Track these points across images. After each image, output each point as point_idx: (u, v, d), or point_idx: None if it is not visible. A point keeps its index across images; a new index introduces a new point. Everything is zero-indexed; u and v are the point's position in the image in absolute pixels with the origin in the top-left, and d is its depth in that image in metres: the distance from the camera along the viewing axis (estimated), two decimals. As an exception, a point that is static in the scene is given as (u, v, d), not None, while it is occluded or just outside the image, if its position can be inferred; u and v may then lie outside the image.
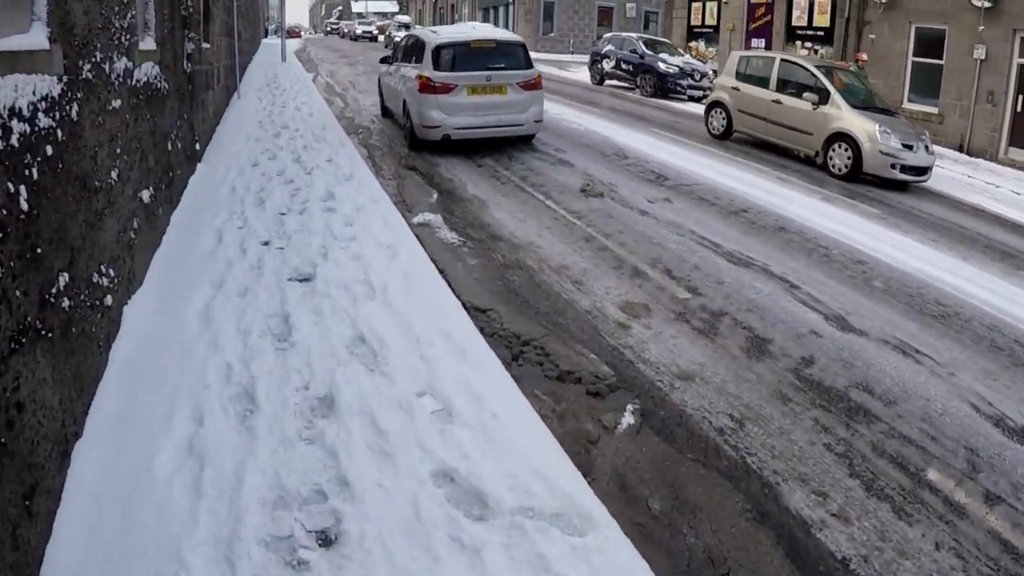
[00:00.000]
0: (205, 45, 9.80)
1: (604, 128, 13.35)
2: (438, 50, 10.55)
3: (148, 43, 5.84)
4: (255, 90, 16.55)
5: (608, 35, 24.28)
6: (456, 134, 10.48)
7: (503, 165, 9.96)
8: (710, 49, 25.19)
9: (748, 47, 23.99)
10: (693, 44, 25.01)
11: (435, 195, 8.40)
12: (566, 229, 7.33)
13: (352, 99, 16.61)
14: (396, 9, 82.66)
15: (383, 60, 13.58)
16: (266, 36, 51.02)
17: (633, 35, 22.98)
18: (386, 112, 13.79)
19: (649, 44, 21.63)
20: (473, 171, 9.59)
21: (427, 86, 10.40)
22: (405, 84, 11.25)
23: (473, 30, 11.74)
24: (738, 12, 24.33)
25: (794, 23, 23.10)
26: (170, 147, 6.49)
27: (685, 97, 19.71)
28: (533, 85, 10.90)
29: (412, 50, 11.59)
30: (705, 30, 26.05)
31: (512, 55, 10.99)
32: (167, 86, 6.46)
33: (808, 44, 22.77)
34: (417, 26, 47.27)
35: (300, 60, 29.07)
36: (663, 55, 20.56)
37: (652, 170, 10.18)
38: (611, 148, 11.51)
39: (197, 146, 8.41)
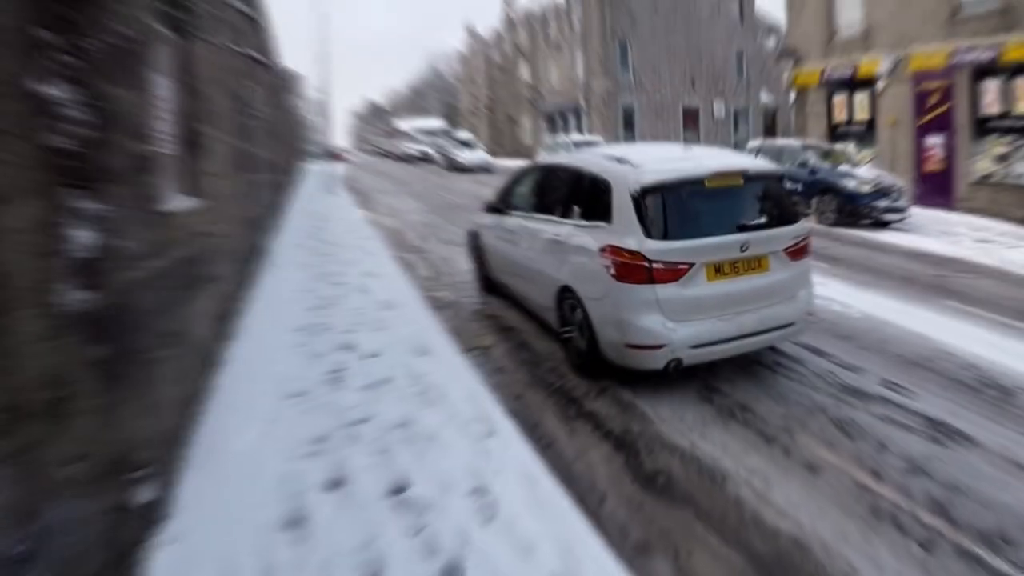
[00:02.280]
0: (186, 203, 4.90)
1: (867, 304, 8.17)
2: (644, 196, 5.55)
3: None
4: (294, 246, 11.82)
5: (756, 143, 19.34)
6: (692, 357, 5.41)
7: (830, 441, 4.67)
8: (865, 152, 20.29)
9: (921, 146, 19.03)
10: (840, 147, 19.98)
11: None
12: None
13: (439, 257, 11.66)
14: (442, 125, 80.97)
15: (490, 208, 8.66)
16: (308, 160, 48.17)
17: (796, 142, 17.97)
18: (491, 286, 8.93)
19: (820, 155, 16.72)
20: (790, 473, 4.27)
21: (635, 271, 5.38)
22: (564, 259, 6.30)
23: (688, 154, 6.68)
24: (901, 102, 19.47)
25: (984, 111, 18.15)
26: None
27: (871, 223, 14.70)
28: (802, 250, 5.96)
29: (565, 194, 6.72)
30: (854, 128, 21.20)
31: (769, 198, 6.02)
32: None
33: (1010, 138, 17.71)
34: (565, 138, 43.73)
35: (347, 188, 24.90)
36: (842, 168, 15.62)
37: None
38: (949, 360, 6.25)
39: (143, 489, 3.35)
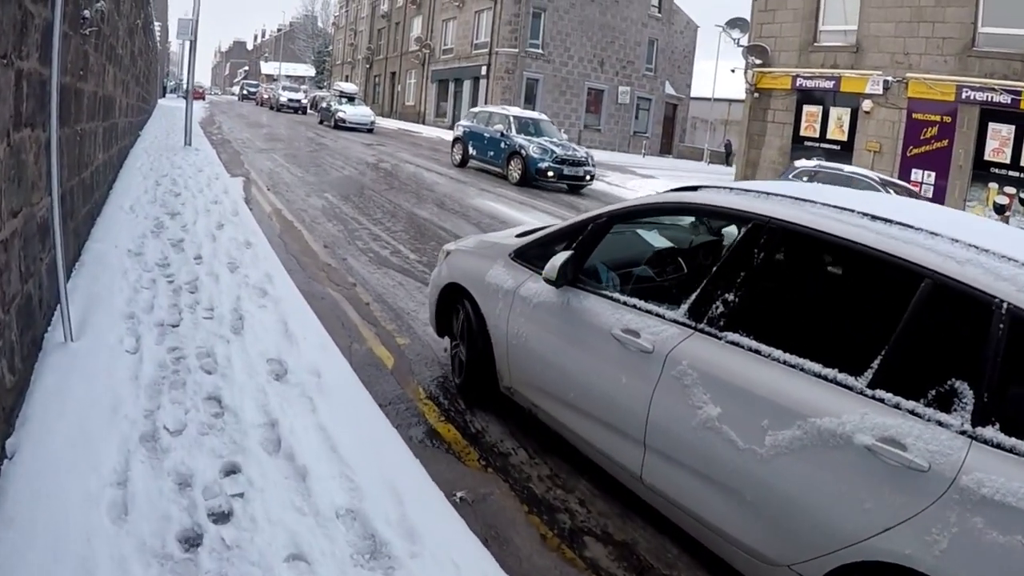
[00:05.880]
0: None
1: None
2: None
3: None
4: (118, 278, 5.98)
5: (474, 110, 20.01)
6: None
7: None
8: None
9: (905, 180, 15.56)
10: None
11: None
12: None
13: (379, 299, 6.32)
14: (312, 73, 72.60)
15: (525, 256, 3.62)
16: (163, 95, 39.83)
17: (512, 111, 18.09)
18: (501, 395, 3.99)
19: (525, 125, 17.15)
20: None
21: None
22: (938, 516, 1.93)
23: None
24: (890, 129, 15.98)
25: (989, 156, 15.04)
26: None
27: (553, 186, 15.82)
28: None
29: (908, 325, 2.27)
30: (824, 146, 17.53)
31: None
32: None
33: (1013, 190, 14.73)
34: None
35: (212, 141, 18.49)
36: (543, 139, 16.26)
37: None
38: None
39: None
